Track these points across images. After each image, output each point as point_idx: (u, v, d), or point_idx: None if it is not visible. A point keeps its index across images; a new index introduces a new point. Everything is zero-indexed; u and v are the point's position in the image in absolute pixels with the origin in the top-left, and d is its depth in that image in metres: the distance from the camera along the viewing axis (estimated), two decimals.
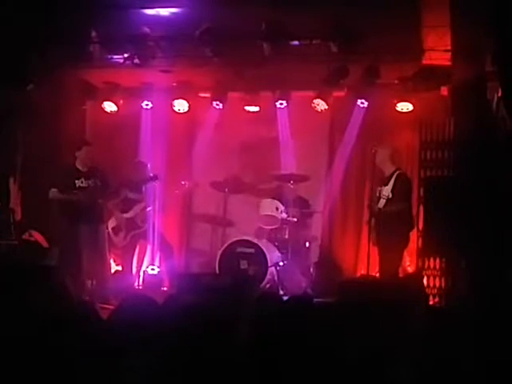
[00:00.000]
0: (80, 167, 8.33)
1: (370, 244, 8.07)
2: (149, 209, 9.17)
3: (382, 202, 7.98)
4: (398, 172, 8.04)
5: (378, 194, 8.08)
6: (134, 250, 9.34)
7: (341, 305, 3.78)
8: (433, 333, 2.70)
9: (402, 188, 7.93)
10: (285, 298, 4.31)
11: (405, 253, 8.23)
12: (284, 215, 9.31)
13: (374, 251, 8.11)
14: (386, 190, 7.96)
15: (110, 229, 8.88)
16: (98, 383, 2.82)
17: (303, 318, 3.19)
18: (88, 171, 8.33)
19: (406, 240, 7.98)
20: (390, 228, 7.83)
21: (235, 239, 9.19)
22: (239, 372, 2.85)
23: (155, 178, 8.93)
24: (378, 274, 8.01)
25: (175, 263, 9.56)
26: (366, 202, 9.10)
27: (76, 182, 8.23)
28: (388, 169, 8.12)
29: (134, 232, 9.09)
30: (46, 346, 2.87)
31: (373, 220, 8.05)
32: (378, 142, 8.76)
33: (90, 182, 8.28)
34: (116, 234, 9.01)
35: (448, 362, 2.59)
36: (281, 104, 9.64)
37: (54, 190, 8.19)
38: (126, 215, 9.05)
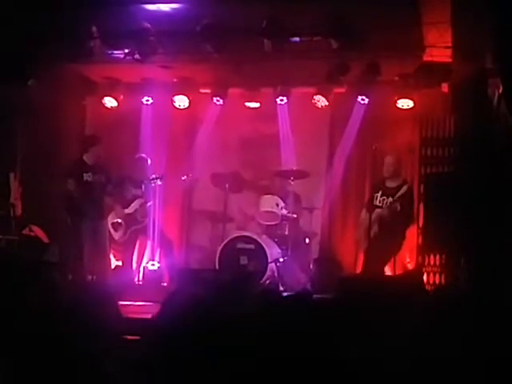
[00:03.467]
0: (87, 161, 8.40)
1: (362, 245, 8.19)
2: (149, 204, 9.16)
3: (386, 210, 8.04)
4: (407, 186, 8.12)
5: (379, 203, 8.13)
6: (134, 245, 9.35)
7: (340, 301, 3.79)
8: (433, 329, 2.71)
9: (411, 204, 8.02)
10: (285, 294, 4.33)
11: (402, 251, 8.32)
12: (284, 211, 9.31)
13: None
14: (395, 202, 8.01)
15: (109, 224, 8.89)
16: (96, 381, 2.82)
17: (303, 314, 3.20)
18: (95, 166, 8.41)
19: (399, 248, 8.11)
20: (388, 235, 7.94)
21: (235, 235, 9.19)
22: (239, 368, 2.85)
23: (160, 178, 8.97)
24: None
25: (175, 259, 9.56)
26: (366, 198, 9.13)
27: (84, 175, 8.30)
28: (394, 180, 8.19)
29: (134, 227, 9.10)
30: (45, 341, 2.87)
31: (374, 225, 8.11)
32: (378, 139, 8.78)
33: (96, 177, 8.36)
34: (116, 230, 9.02)
35: (448, 359, 2.60)
36: (281, 100, 9.63)
37: (71, 181, 8.24)
38: (126, 211, 9.05)
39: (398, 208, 8.01)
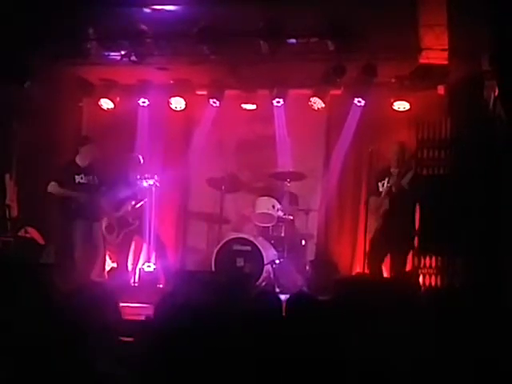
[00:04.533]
0: (80, 163, 8.42)
1: (367, 237, 8.12)
2: (140, 204, 9.12)
3: (393, 190, 7.97)
4: (412, 171, 8.05)
5: (387, 188, 8.06)
6: (129, 246, 9.31)
7: (336, 303, 3.79)
8: (429, 330, 2.71)
9: (417, 188, 7.96)
10: (281, 295, 4.32)
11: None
12: (280, 213, 9.31)
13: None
14: (402, 183, 7.94)
15: (103, 227, 8.88)
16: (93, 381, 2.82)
17: (300, 315, 3.20)
18: (87, 167, 8.43)
19: (413, 227, 8.02)
20: (398, 213, 7.89)
21: (231, 237, 9.18)
22: (236, 370, 2.85)
23: (150, 178, 8.97)
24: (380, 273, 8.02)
25: (171, 261, 9.55)
26: (362, 200, 9.12)
27: (76, 177, 8.32)
28: (399, 167, 8.14)
29: (126, 229, 9.06)
30: (39, 343, 2.87)
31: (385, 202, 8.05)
32: (374, 141, 8.78)
33: (89, 178, 8.39)
34: (109, 233, 8.98)
35: (444, 360, 2.60)
36: (278, 102, 9.63)
37: (53, 183, 8.26)
38: (116, 213, 9.01)
39: (406, 187, 7.93)
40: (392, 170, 8.15)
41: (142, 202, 9.11)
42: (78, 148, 8.47)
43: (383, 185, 8.13)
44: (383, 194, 8.08)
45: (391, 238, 7.93)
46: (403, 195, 7.93)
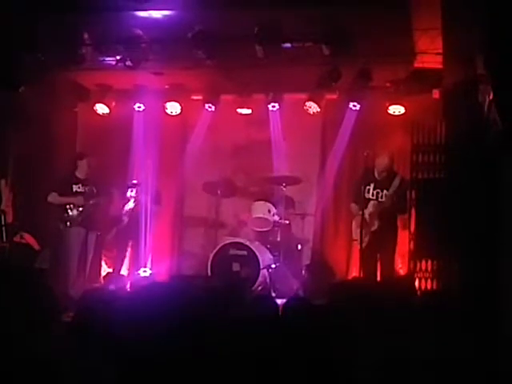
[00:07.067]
0: (79, 175, 8.70)
1: (364, 246, 8.13)
2: (134, 205, 9.17)
3: (387, 203, 8.01)
4: (399, 178, 8.10)
5: (373, 196, 8.10)
6: (125, 251, 9.33)
7: (332, 307, 3.78)
8: (424, 333, 2.71)
9: (405, 195, 8.01)
10: (277, 300, 4.32)
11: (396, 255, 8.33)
12: (276, 218, 9.31)
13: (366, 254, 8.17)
14: (392, 195, 7.99)
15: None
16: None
17: (295, 319, 3.19)
18: (85, 179, 8.70)
19: (395, 241, 8.13)
20: (387, 227, 7.93)
21: (227, 241, 9.18)
22: (232, 375, 2.84)
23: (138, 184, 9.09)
24: (376, 277, 8.06)
25: (167, 265, 9.56)
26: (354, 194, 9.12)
27: (73, 186, 8.61)
28: (385, 172, 8.17)
29: (118, 227, 9.13)
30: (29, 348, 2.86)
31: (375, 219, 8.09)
32: (369, 145, 8.79)
33: (86, 188, 8.65)
34: (103, 229, 9.11)
35: (442, 363, 2.60)
36: (273, 106, 9.66)
37: (53, 193, 8.58)
38: (115, 211, 9.15)
39: (395, 199, 8.01)
40: (377, 175, 8.20)
41: (134, 204, 9.17)
42: (76, 162, 8.75)
43: (368, 191, 8.17)
44: (369, 205, 8.10)
45: (380, 242, 8.03)
46: (393, 203, 7.99)
